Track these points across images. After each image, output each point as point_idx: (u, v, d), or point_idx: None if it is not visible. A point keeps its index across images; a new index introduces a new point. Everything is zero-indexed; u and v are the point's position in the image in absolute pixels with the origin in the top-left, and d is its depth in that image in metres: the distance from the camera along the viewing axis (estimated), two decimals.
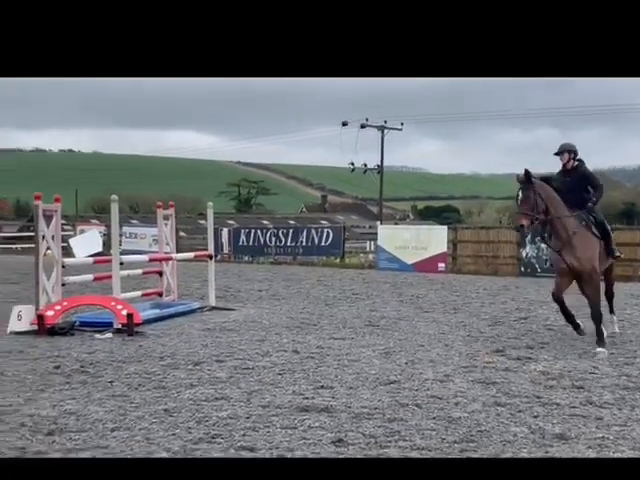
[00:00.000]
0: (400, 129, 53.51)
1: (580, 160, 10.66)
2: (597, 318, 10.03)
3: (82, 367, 8.76)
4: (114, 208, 12.59)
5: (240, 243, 32.99)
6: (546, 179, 10.29)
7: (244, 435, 6.01)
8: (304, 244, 31.04)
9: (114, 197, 12.77)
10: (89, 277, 13.26)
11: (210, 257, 15.47)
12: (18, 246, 41.87)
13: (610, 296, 11.37)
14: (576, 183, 10.46)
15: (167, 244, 15.13)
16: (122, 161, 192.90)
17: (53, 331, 11.14)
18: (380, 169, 53.71)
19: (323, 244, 30.64)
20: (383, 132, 52.61)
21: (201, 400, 7.16)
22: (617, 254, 10.74)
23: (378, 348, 10.08)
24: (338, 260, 30.05)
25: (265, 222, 59.65)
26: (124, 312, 11.40)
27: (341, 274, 24.31)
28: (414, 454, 5.56)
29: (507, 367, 8.78)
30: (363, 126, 52.12)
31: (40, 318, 11.22)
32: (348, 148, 54.88)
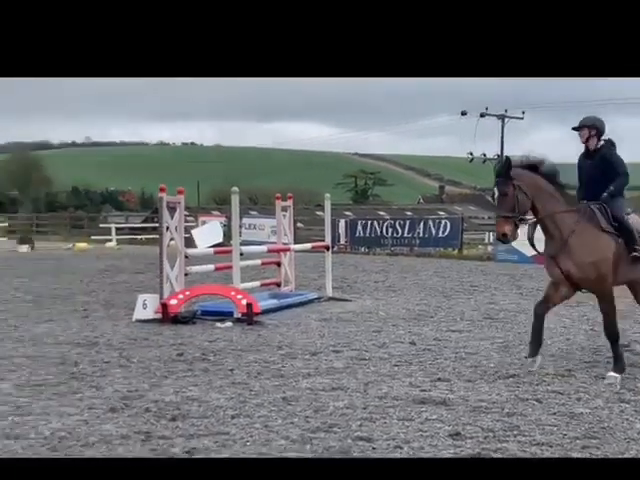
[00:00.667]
0: (521, 118, 52.34)
1: (609, 141, 8.50)
2: (612, 337, 8.06)
3: (204, 355, 9.00)
4: (234, 200, 12.86)
5: (357, 234, 33.06)
6: (533, 166, 8.14)
7: (361, 425, 6.04)
8: (421, 235, 30.81)
9: (234, 189, 13.04)
10: (210, 267, 13.59)
11: (327, 248, 15.58)
12: (143, 237, 43.26)
13: None
14: (595, 170, 8.36)
15: (285, 235, 15.33)
16: (243, 153, 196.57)
17: (176, 319, 11.48)
18: (500, 159, 52.72)
19: (441, 235, 30.34)
20: (503, 121, 51.61)
21: (318, 390, 7.24)
22: (637, 254, 8.17)
23: (497, 341, 9.93)
24: (456, 251, 29.69)
25: (382, 213, 59.51)
26: (244, 302, 11.63)
27: (459, 266, 24.04)
28: (534, 449, 5.46)
29: (632, 363, 8.49)
30: (483, 115, 51.23)
31: (164, 307, 11.58)
32: (467, 138, 54.17)
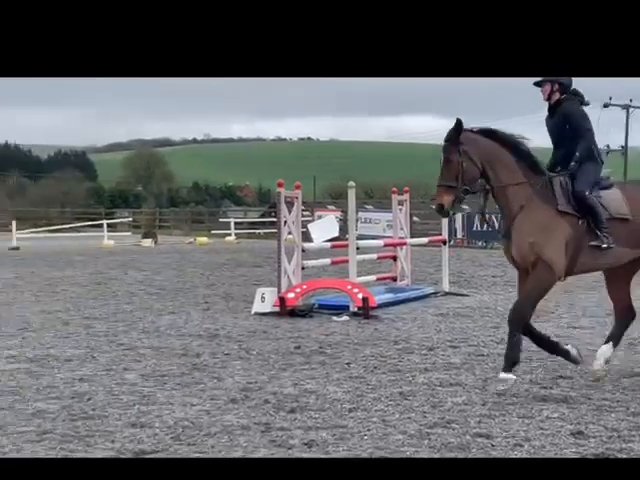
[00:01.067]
0: None
1: (572, 91, 7.37)
2: (515, 323, 7.06)
3: (321, 348, 9.08)
4: (351, 194, 12.91)
5: (474, 228, 32.59)
6: (489, 131, 7.23)
7: (479, 422, 5.96)
8: None
9: (351, 184, 13.09)
10: (327, 261, 13.68)
11: (444, 242, 15.45)
12: (261, 231, 43.99)
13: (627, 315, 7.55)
14: (558, 128, 7.35)
15: (401, 229, 15.28)
16: (358, 148, 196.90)
17: (293, 313, 11.63)
18: (624, 150, 50.97)
19: None
20: (628, 111, 49.85)
21: (436, 385, 7.19)
22: (595, 243, 7.05)
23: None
24: None
25: None
26: (360, 296, 11.67)
27: None
28: None
29: None
30: (606, 105, 49.57)
31: (282, 300, 11.75)
32: None
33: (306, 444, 5.45)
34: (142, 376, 7.63)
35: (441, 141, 7.32)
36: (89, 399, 6.71)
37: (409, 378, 7.49)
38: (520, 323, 6.99)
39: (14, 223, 33.07)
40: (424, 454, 5.20)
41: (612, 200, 7.18)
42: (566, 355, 7.30)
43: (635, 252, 7.26)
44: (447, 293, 14.37)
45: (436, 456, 5.16)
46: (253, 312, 11.96)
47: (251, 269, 20.22)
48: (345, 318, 11.37)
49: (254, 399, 6.71)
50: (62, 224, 43.67)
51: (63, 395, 6.86)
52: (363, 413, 6.24)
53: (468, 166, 6.96)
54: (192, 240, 36.40)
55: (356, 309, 11.65)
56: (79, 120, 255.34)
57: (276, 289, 12.16)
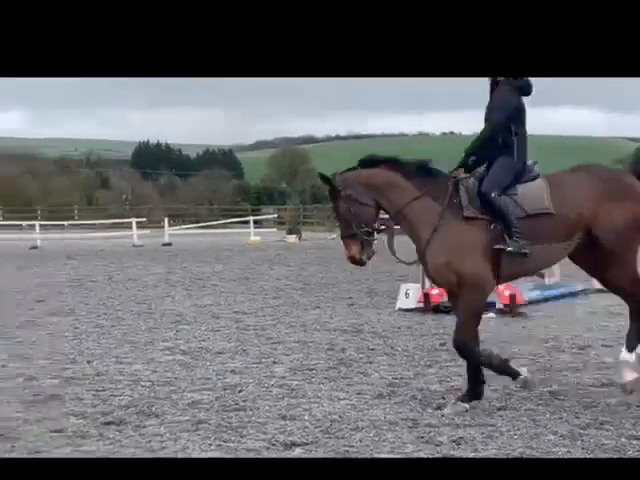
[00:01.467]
0: None
1: (523, 82, 6.49)
2: (460, 347, 6.34)
3: None
4: None
5: None
6: (372, 160, 6.68)
7: (635, 424, 5.76)
8: None
9: None
10: None
11: None
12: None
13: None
14: (485, 116, 6.61)
15: None
16: None
17: (438, 309, 11.56)
18: None
19: None
20: None
21: (588, 385, 6.99)
22: (500, 246, 6.22)
23: None
24: None
25: None
26: (506, 293, 11.46)
27: None
28: None
29: None
30: None
31: (426, 296, 11.71)
32: None
33: (454, 441, 5.43)
34: (290, 369, 7.80)
35: (588, 133, 7.06)
36: (240, 391, 6.92)
37: (559, 377, 7.31)
38: (472, 351, 6.33)
39: (166, 220, 34.47)
40: (577, 455, 5.08)
41: (530, 194, 6.37)
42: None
43: (567, 245, 6.48)
44: (598, 290, 13.84)
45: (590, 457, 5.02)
46: (397, 308, 11.98)
47: (394, 265, 20.18)
48: (491, 315, 11.18)
49: (400, 395, 6.73)
50: (211, 221, 45.09)
51: (216, 387, 7.10)
52: (512, 412, 6.15)
53: (356, 209, 6.37)
54: (335, 236, 36.75)
55: (502, 306, 11.46)
56: (227, 119, 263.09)
57: (420, 285, 12.13)
